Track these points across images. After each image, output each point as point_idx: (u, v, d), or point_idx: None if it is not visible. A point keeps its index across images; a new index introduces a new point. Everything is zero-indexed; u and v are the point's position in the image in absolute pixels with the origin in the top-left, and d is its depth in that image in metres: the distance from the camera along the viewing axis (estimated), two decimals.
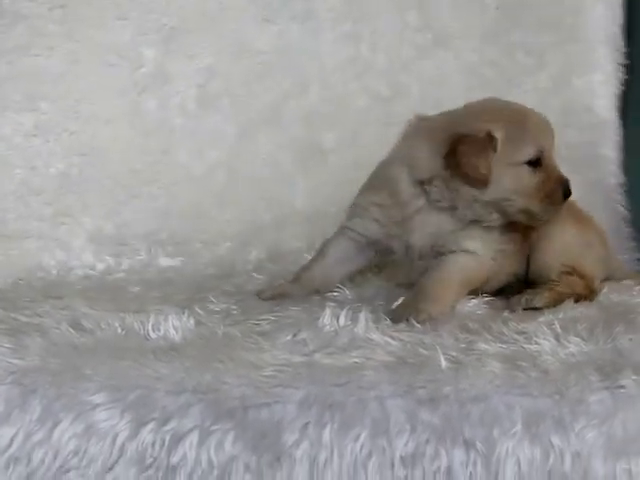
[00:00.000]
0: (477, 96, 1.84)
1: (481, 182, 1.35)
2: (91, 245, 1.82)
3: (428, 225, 1.41)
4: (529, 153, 1.36)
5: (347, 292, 1.48)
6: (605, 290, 1.50)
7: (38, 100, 1.82)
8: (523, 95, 1.90)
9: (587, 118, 1.97)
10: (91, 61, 1.86)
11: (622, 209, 1.93)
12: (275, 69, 1.93)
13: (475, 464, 0.99)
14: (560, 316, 1.30)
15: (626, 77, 1.98)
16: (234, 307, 1.39)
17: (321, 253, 1.52)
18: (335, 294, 1.47)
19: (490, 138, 1.34)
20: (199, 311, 1.33)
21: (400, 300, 1.37)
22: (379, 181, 1.45)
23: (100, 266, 1.80)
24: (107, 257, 1.81)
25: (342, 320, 1.25)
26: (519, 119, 1.38)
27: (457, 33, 1.97)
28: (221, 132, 1.92)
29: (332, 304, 1.34)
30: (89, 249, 1.82)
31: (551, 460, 0.98)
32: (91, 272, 1.77)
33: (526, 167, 1.37)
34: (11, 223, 1.79)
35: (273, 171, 1.93)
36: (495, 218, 1.39)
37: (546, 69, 1.97)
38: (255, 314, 1.32)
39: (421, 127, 1.43)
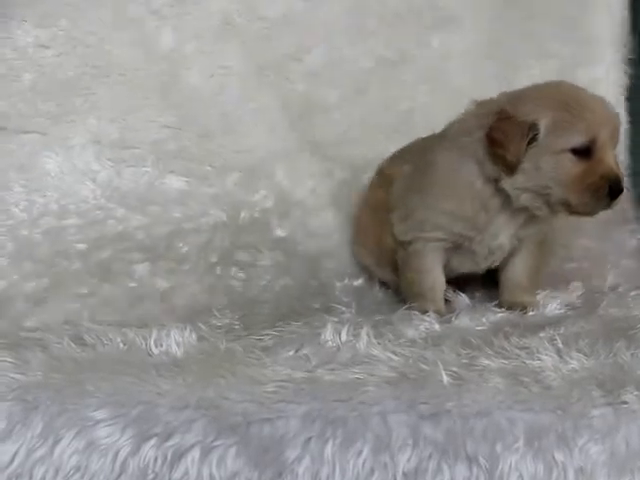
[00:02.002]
0: (483, 70, 1.93)
1: (508, 167, 1.34)
2: (93, 145, 1.76)
3: (509, 226, 1.43)
4: (575, 141, 1.32)
5: (348, 307, 1.46)
6: (605, 304, 1.50)
7: (58, 17, 1.76)
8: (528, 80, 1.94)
9: None
10: None
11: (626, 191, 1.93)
12: (281, 33, 1.90)
13: (478, 479, 0.99)
14: (561, 331, 1.29)
15: (631, 72, 1.98)
16: (236, 322, 1.39)
17: (430, 273, 1.49)
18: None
19: (532, 126, 1.32)
20: (201, 326, 1.32)
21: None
22: (453, 188, 1.41)
23: (102, 175, 1.74)
24: (108, 162, 1.75)
25: (344, 336, 1.25)
26: (576, 107, 1.32)
27: (465, 14, 1.96)
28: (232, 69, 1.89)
29: (334, 319, 1.34)
30: (90, 149, 1.76)
31: (554, 476, 0.98)
32: (91, 185, 1.72)
33: (569, 155, 1.32)
34: (13, 118, 1.72)
35: (275, 124, 1.90)
36: (540, 206, 1.38)
37: (551, 59, 1.96)
38: (257, 329, 1.32)
39: (479, 115, 1.39)
